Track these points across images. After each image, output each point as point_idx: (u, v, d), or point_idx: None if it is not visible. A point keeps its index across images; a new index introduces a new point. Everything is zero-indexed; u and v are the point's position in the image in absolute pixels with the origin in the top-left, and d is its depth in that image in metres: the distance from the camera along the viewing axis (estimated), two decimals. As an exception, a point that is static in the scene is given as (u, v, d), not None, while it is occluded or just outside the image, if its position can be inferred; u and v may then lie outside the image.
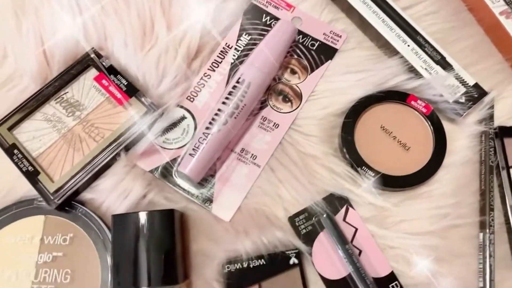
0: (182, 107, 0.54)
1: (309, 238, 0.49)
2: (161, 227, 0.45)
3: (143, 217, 0.45)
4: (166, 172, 0.52)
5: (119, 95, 0.52)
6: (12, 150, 0.50)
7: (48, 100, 0.53)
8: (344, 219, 0.50)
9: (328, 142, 0.53)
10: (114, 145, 0.50)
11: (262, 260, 0.47)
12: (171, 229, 0.46)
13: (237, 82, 0.51)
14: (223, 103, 0.51)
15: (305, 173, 0.51)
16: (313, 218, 0.49)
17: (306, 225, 0.49)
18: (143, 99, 0.52)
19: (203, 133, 0.50)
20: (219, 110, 0.51)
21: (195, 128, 0.54)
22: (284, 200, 0.50)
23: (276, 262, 0.47)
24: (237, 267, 0.47)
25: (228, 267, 0.47)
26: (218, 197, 0.51)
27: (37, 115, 0.53)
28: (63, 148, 0.51)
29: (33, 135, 0.52)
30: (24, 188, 0.51)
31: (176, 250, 0.45)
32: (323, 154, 0.52)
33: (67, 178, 0.49)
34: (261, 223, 0.49)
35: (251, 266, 0.47)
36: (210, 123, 0.50)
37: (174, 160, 0.52)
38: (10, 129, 0.52)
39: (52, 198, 0.48)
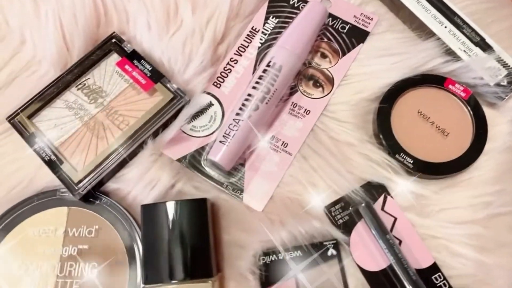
0: (209, 93, 0.52)
1: (346, 229, 0.47)
2: (194, 217, 0.43)
3: (174, 206, 0.43)
4: (194, 160, 0.49)
5: (143, 81, 0.50)
6: (33, 139, 0.48)
7: (68, 87, 0.51)
8: (382, 208, 0.47)
9: (363, 128, 0.51)
10: (140, 133, 0.48)
11: (299, 251, 0.45)
12: (204, 219, 0.43)
13: (268, 65, 0.49)
14: (254, 87, 0.48)
15: (340, 161, 0.48)
16: (350, 208, 0.47)
17: (343, 215, 0.47)
18: (168, 85, 0.50)
19: (233, 119, 0.47)
20: (249, 95, 0.48)
21: (223, 115, 0.51)
22: (318, 189, 0.48)
23: (313, 253, 0.45)
24: (273, 259, 0.45)
25: (263, 259, 0.45)
26: (248, 186, 0.48)
27: (58, 102, 0.50)
28: (86, 137, 0.49)
29: (55, 123, 0.49)
30: (45, 179, 0.48)
31: (209, 241, 0.43)
32: (358, 141, 0.50)
33: (92, 167, 0.47)
34: (296, 213, 0.46)
35: (287, 258, 0.45)
36: (241, 108, 0.48)
37: (202, 148, 0.50)
38: (30, 117, 0.49)
39: (76, 188, 0.46)
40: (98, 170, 0.46)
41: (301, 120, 0.51)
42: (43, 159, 0.47)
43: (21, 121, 0.49)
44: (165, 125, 0.50)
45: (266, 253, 0.45)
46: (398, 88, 0.51)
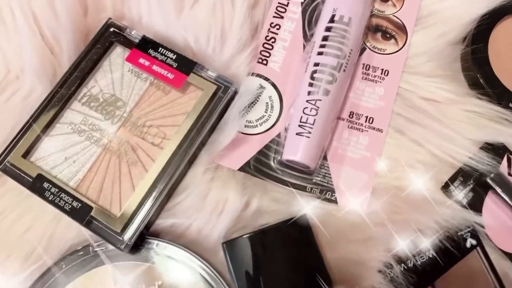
0: (258, 75, 0.40)
1: (473, 209, 0.37)
2: (300, 243, 0.32)
3: (270, 236, 0.31)
4: (260, 165, 0.37)
5: (170, 76, 0.37)
6: (40, 185, 0.34)
7: (68, 104, 0.37)
8: (509, 173, 0.38)
9: (457, 80, 0.40)
10: (186, 146, 0.35)
11: (431, 251, 0.35)
12: (311, 242, 0.32)
13: (332, 20, 0.37)
14: (320, 53, 0.37)
15: (446, 124, 0.38)
16: (471, 181, 0.37)
17: (466, 192, 0.37)
18: (204, 74, 0.37)
19: (307, 101, 0.36)
20: (316, 65, 0.36)
21: (281, 99, 0.39)
22: (428, 165, 0.37)
23: (448, 250, 0.35)
24: (400, 269, 0.34)
25: (389, 273, 0.34)
26: (339, 183, 0.37)
27: (59, 127, 0.37)
28: (113, 165, 0.36)
29: (63, 156, 0.36)
30: (69, 233, 0.36)
31: (327, 269, 0.32)
32: (457, 95, 0.39)
33: (134, 206, 0.34)
34: (414, 204, 0.36)
35: (418, 263, 0.35)
36: (311, 84, 0.36)
37: (266, 147, 0.38)
38: (26, 155, 0.35)
39: (121, 239, 0.33)
40: (144, 208, 0.34)
41: (381, 84, 0.40)
42: (62, 209, 0.34)
43: (15, 164, 0.35)
44: (211, 129, 0.37)
45: (388, 265, 0.34)
46: (489, 21, 0.40)
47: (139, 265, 0.35)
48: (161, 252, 0.35)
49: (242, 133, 0.38)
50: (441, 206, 0.36)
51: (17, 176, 0.35)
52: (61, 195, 0.34)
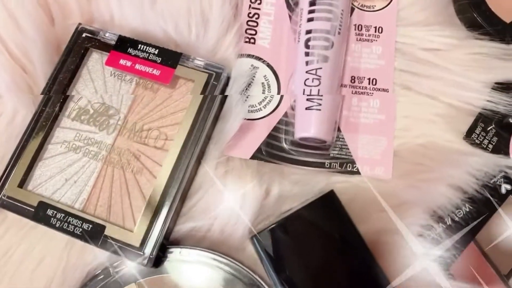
0: (249, 55, 0.37)
1: (499, 152, 0.35)
2: (332, 221, 0.30)
3: (300, 219, 0.29)
4: (273, 149, 0.35)
5: (156, 72, 0.34)
6: (43, 213, 0.32)
7: (57, 121, 0.34)
8: (528, 109, 0.37)
9: (454, 24, 0.38)
10: (191, 143, 0.33)
11: (467, 204, 0.33)
12: (343, 217, 0.30)
13: (317, -17, 0.35)
14: (310, 20, 0.34)
15: (454, 71, 0.36)
16: (492, 124, 0.36)
17: (489, 136, 0.36)
18: (191, 64, 0.34)
19: (307, 72, 0.34)
20: (309, 32, 0.34)
21: (276, 77, 0.37)
22: (445, 117, 0.36)
23: (485, 199, 0.33)
24: (441, 228, 0.33)
25: (428, 235, 0.33)
26: (358, 152, 0.35)
27: (52, 148, 0.34)
28: (117, 177, 0.33)
29: (63, 178, 0.33)
30: (84, 259, 0.33)
31: (366, 245, 0.30)
32: (458, 40, 0.37)
33: (149, 216, 0.31)
34: (438, 160, 0.34)
35: (456, 219, 0.33)
36: (308, 54, 0.34)
37: (275, 129, 0.36)
38: (22, 185, 0.33)
39: (142, 253, 0.31)
40: (160, 216, 0.31)
41: (377, 42, 0.38)
42: (72, 234, 0.31)
43: (13, 195, 0.32)
44: (214, 120, 0.35)
45: (428, 227, 0.33)
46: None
47: (166, 277, 0.33)
48: (187, 259, 0.33)
49: (247, 119, 0.36)
50: (469, 156, 0.34)
51: (17, 208, 0.32)
52: (69, 220, 0.31)
